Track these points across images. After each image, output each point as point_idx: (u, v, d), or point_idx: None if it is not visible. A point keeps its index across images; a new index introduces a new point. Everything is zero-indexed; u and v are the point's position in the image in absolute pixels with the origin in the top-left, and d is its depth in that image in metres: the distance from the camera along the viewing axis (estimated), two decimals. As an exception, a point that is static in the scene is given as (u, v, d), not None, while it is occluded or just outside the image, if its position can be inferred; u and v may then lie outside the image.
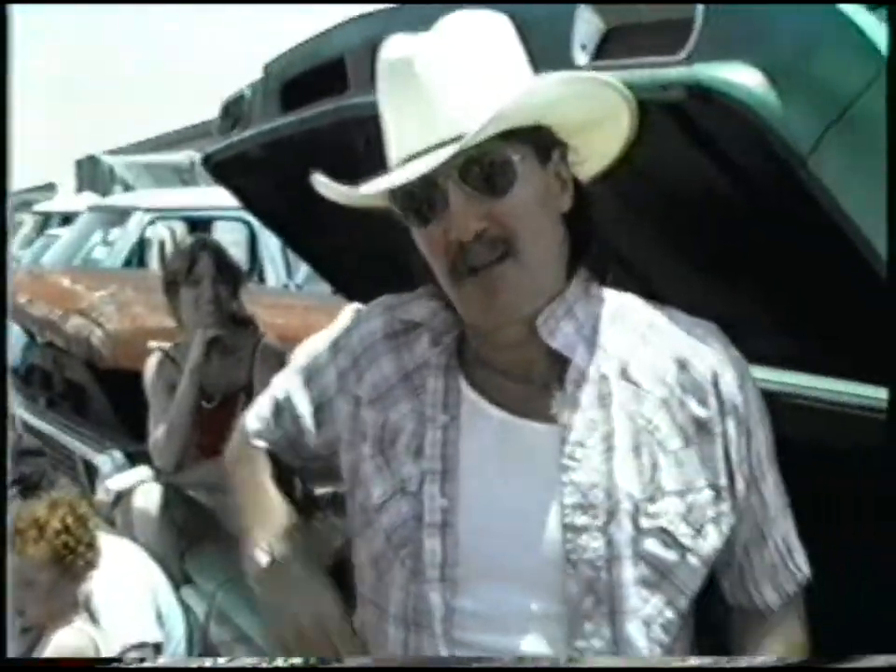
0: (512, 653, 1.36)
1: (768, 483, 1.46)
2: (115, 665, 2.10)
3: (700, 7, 1.43)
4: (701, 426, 1.39)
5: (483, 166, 1.32)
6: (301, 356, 1.65)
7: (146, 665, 2.55)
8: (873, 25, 1.35)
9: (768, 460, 1.46)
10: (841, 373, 2.30)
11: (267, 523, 1.57)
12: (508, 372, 1.44)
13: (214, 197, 7.45)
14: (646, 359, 1.41)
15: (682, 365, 1.41)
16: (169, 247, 7.94)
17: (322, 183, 1.39)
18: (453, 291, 1.38)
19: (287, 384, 1.66)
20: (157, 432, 3.72)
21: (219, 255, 3.87)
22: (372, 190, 1.34)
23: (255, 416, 1.71)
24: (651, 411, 1.39)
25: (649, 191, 1.96)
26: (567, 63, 1.62)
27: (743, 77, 1.39)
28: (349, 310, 1.63)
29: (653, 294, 1.54)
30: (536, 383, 1.42)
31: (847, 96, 1.35)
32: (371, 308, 1.58)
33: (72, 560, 2.83)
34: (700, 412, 1.39)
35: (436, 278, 1.43)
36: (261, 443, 1.69)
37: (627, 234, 2.25)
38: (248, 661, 1.40)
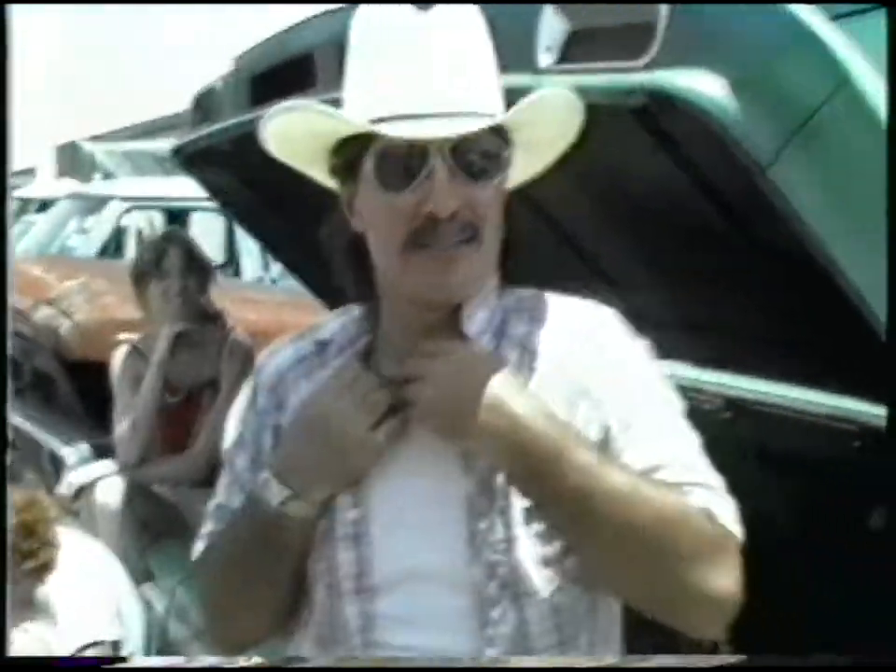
0: (432, 651, 1.36)
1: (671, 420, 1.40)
2: (117, 665, 2.07)
3: (663, 13, 1.42)
4: (583, 392, 1.37)
5: (476, 151, 1.32)
6: (229, 426, 1.58)
7: (146, 665, 2.52)
8: (834, 38, 1.34)
9: (672, 395, 1.42)
10: (802, 382, 2.31)
11: None
12: None
13: (192, 187, 7.40)
14: (540, 340, 1.42)
15: (568, 337, 1.41)
16: (146, 237, 7.90)
17: (321, 110, 1.34)
18: (400, 261, 1.35)
19: (226, 457, 1.58)
20: (121, 426, 3.70)
21: (189, 248, 3.85)
22: (387, 132, 1.30)
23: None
24: (539, 387, 1.38)
25: (614, 192, 1.96)
26: (530, 64, 1.61)
27: (704, 85, 1.38)
28: (266, 349, 1.62)
29: (617, 294, 1.53)
30: None
31: (808, 108, 1.35)
32: (278, 343, 1.56)
33: (29, 559, 2.80)
34: (583, 379, 1.38)
35: (343, 253, 1.44)
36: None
37: (592, 233, 2.26)
38: (216, 660, 1.40)
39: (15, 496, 2.92)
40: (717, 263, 2.03)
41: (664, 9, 1.41)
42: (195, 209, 7.85)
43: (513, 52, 1.64)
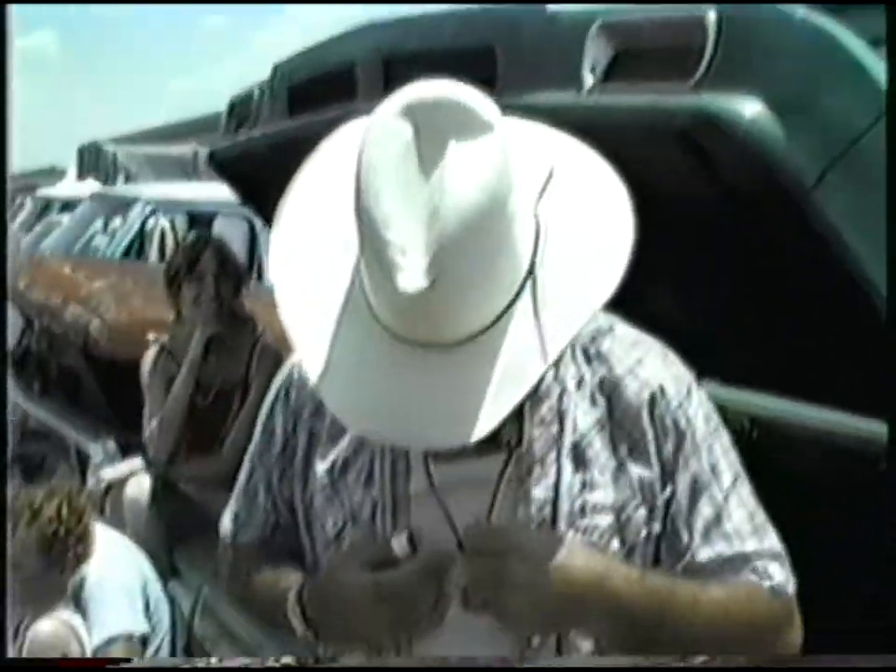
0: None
1: (713, 492, 1.39)
2: (121, 665, 2.10)
3: (711, 36, 1.45)
4: (635, 445, 1.37)
5: None
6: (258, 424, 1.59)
7: (147, 665, 2.55)
8: (877, 65, 1.37)
9: (718, 471, 1.40)
10: (835, 404, 2.31)
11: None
12: None
13: (216, 192, 7.44)
14: (586, 375, 1.40)
15: (616, 386, 1.39)
16: (169, 240, 7.93)
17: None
18: None
19: (248, 460, 1.59)
20: (151, 425, 3.73)
21: (223, 252, 3.89)
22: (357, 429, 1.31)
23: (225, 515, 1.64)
24: (587, 426, 1.38)
25: (650, 213, 1.98)
26: (576, 83, 1.63)
27: (749, 109, 1.40)
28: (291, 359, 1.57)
29: (650, 320, 1.54)
30: None
31: (852, 133, 1.37)
32: None
33: (61, 551, 2.84)
34: (634, 434, 1.37)
35: None
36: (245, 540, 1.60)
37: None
38: (245, 660, 1.41)
39: (47, 486, 2.97)
40: (751, 284, 2.04)
41: (711, 33, 1.44)
42: (219, 213, 7.88)
43: (558, 71, 1.67)
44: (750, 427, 2.65)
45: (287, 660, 1.57)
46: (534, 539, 1.31)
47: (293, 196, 1.34)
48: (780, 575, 1.39)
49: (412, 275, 1.11)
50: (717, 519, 1.38)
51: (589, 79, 1.62)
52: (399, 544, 1.33)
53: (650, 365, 1.41)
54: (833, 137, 1.40)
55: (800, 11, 1.40)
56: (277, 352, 3.71)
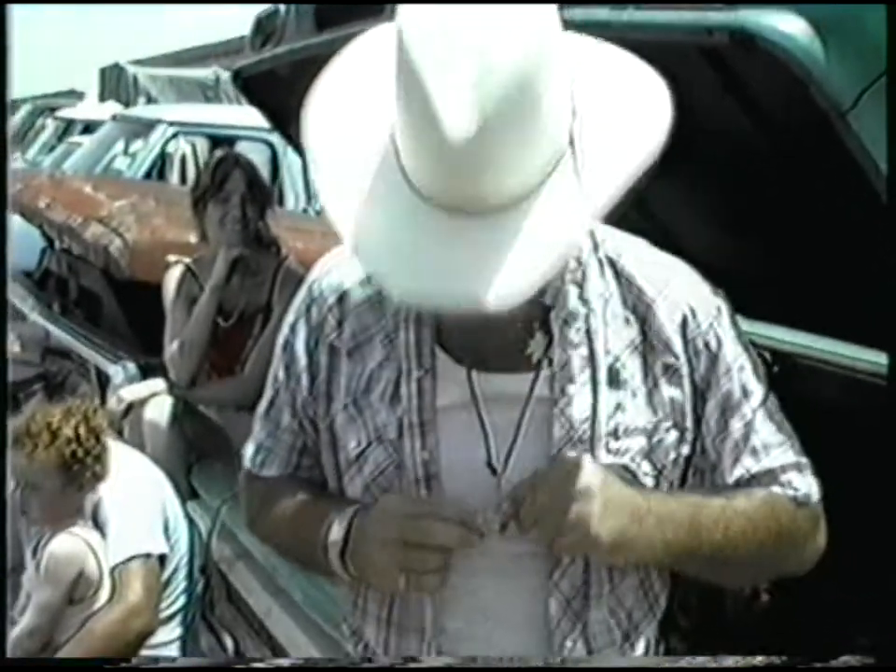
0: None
1: (751, 415, 1.40)
2: (121, 664, 2.10)
3: (751, -48, 1.41)
4: (668, 367, 1.37)
5: None
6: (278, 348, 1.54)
7: (147, 664, 2.56)
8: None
9: (749, 392, 1.40)
10: (858, 339, 2.30)
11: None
12: (488, 315, 1.28)
13: (238, 115, 7.40)
14: (616, 297, 1.39)
15: (649, 306, 1.38)
16: (190, 163, 7.89)
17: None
18: None
19: (271, 387, 1.55)
20: (173, 346, 3.72)
21: (251, 173, 3.84)
22: (397, 292, 1.24)
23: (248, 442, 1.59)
24: (619, 349, 1.37)
25: (677, 137, 1.95)
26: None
27: (789, 26, 1.37)
28: (320, 263, 1.54)
29: (670, 242, 1.52)
30: (516, 326, 1.37)
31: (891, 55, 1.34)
32: (339, 257, 1.47)
33: (79, 470, 2.85)
34: (667, 356, 1.37)
35: None
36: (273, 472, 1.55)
37: (650, 179, 2.24)
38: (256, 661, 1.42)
39: (63, 406, 2.98)
40: (776, 213, 2.02)
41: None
42: (240, 138, 7.85)
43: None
44: (773, 360, 2.64)
45: (284, 662, 1.54)
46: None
47: (331, 76, 1.31)
48: (804, 485, 1.42)
49: (458, 123, 1.10)
50: (745, 437, 1.40)
51: (625, -6, 1.58)
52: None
53: (679, 286, 1.40)
54: (872, 59, 1.37)
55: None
56: (301, 276, 3.66)
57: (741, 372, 1.40)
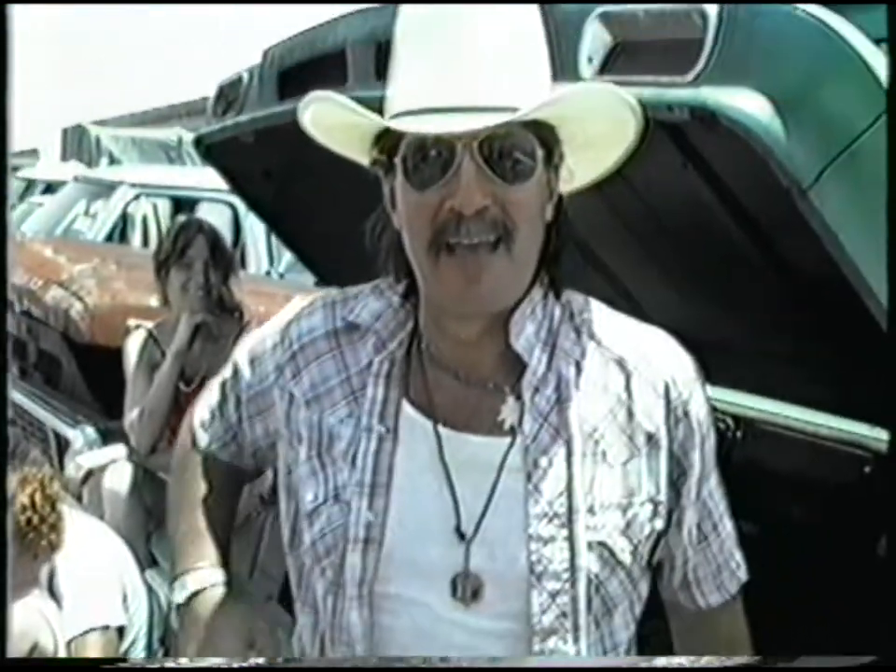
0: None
1: (711, 487, 1.44)
2: (119, 665, 2.06)
3: (711, 30, 1.43)
4: (649, 437, 1.36)
5: (507, 149, 1.26)
6: (248, 341, 1.59)
7: (147, 665, 2.52)
8: (880, 64, 1.35)
9: (712, 465, 1.44)
10: (821, 405, 2.31)
11: (196, 550, 1.54)
12: (459, 374, 1.37)
13: (200, 177, 7.41)
14: (595, 366, 1.37)
15: (630, 374, 1.37)
16: (152, 225, 7.88)
17: (342, 103, 1.30)
18: (428, 264, 1.29)
19: (233, 362, 1.59)
20: (134, 413, 3.69)
21: (214, 239, 3.83)
22: (402, 127, 1.26)
23: (204, 405, 1.65)
24: (597, 419, 1.35)
25: (641, 209, 1.96)
26: (572, 74, 1.61)
27: (749, 104, 1.39)
28: (295, 301, 1.55)
29: (642, 316, 1.53)
30: (487, 387, 1.37)
31: (852, 131, 1.36)
32: (313, 303, 1.48)
33: (34, 538, 2.80)
34: (647, 423, 1.36)
35: (389, 251, 1.38)
36: (204, 444, 1.64)
37: (616, 249, 2.25)
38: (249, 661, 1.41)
39: (20, 473, 2.93)
40: (739, 282, 2.03)
41: (712, 27, 1.42)
42: (203, 199, 7.85)
43: (555, 61, 1.65)
44: (735, 426, 2.65)
45: (259, 660, 1.54)
46: None
47: None
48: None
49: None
50: (721, 547, 1.47)
51: (586, 70, 1.60)
52: None
53: (660, 354, 1.40)
54: (832, 136, 1.38)
55: (802, 6, 1.38)
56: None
57: (710, 450, 1.42)
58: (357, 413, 1.38)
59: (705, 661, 1.46)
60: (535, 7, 1.32)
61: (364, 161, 1.38)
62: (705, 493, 1.43)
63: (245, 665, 1.43)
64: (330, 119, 1.34)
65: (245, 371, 1.55)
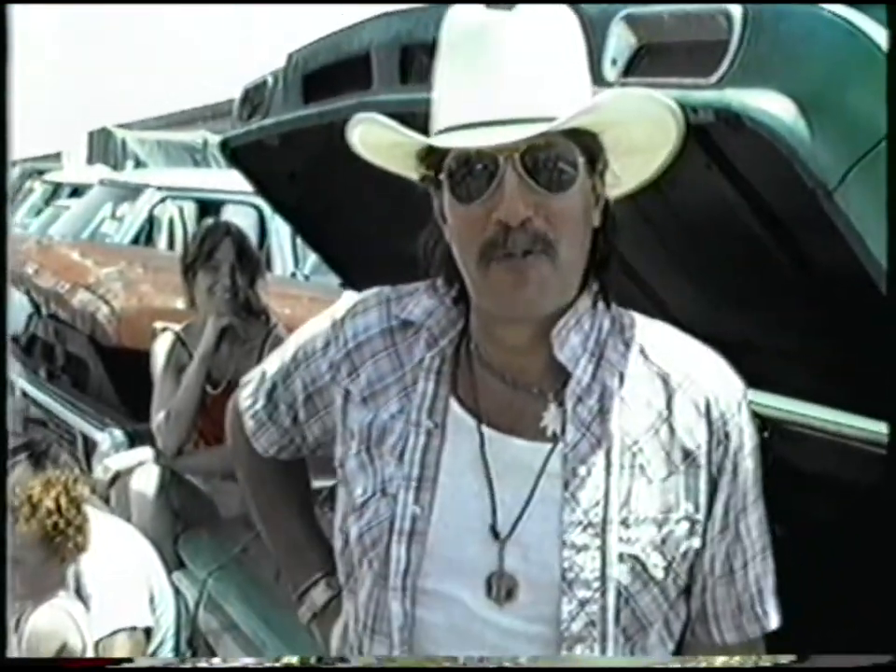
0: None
1: (749, 521, 1.42)
2: (120, 665, 2.08)
3: (735, 32, 1.42)
4: (688, 454, 1.36)
5: (548, 158, 1.27)
6: (296, 339, 1.61)
7: (147, 664, 2.55)
8: (905, 63, 1.34)
9: (753, 496, 1.42)
10: (849, 406, 2.30)
11: (302, 564, 1.68)
12: (505, 378, 1.40)
13: (225, 180, 7.43)
14: (641, 380, 1.38)
15: (674, 390, 1.38)
16: (178, 227, 7.92)
17: (384, 123, 1.33)
18: (479, 274, 1.31)
19: (281, 364, 1.61)
20: (161, 415, 3.71)
21: (241, 242, 3.85)
22: (442, 144, 1.29)
23: (248, 393, 1.67)
24: (638, 433, 1.36)
25: (668, 212, 1.96)
26: (596, 76, 1.61)
27: (774, 105, 1.38)
28: (346, 297, 1.57)
29: (664, 314, 1.53)
30: (532, 392, 1.39)
31: (878, 132, 1.35)
32: (367, 300, 1.52)
33: (61, 542, 2.82)
34: (688, 441, 1.36)
35: (442, 264, 1.40)
36: (261, 450, 1.67)
37: (644, 253, 2.25)
38: (248, 661, 1.41)
39: (47, 476, 2.95)
40: (766, 283, 2.03)
41: (737, 28, 1.42)
42: (228, 202, 7.88)
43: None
44: (762, 427, 2.64)
45: (289, 660, 1.57)
46: None
47: None
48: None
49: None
50: (745, 587, 1.44)
51: (610, 73, 1.60)
52: None
53: (706, 373, 1.40)
54: (858, 137, 1.38)
55: (828, 6, 1.38)
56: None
57: (750, 474, 1.41)
58: (407, 408, 1.41)
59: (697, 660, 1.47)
60: (571, 14, 1.33)
61: (414, 176, 1.40)
62: (742, 526, 1.41)
63: (249, 665, 1.45)
64: (376, 139, 1.37)
65: (297, 373, 1.57)
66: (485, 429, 1.38)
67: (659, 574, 1.34)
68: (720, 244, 2.00)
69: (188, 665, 1.24)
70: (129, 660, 2.75)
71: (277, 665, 1.52)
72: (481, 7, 1.30)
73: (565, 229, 1.29)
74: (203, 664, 1.28)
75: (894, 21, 1.37)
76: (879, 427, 2.27)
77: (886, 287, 1.38)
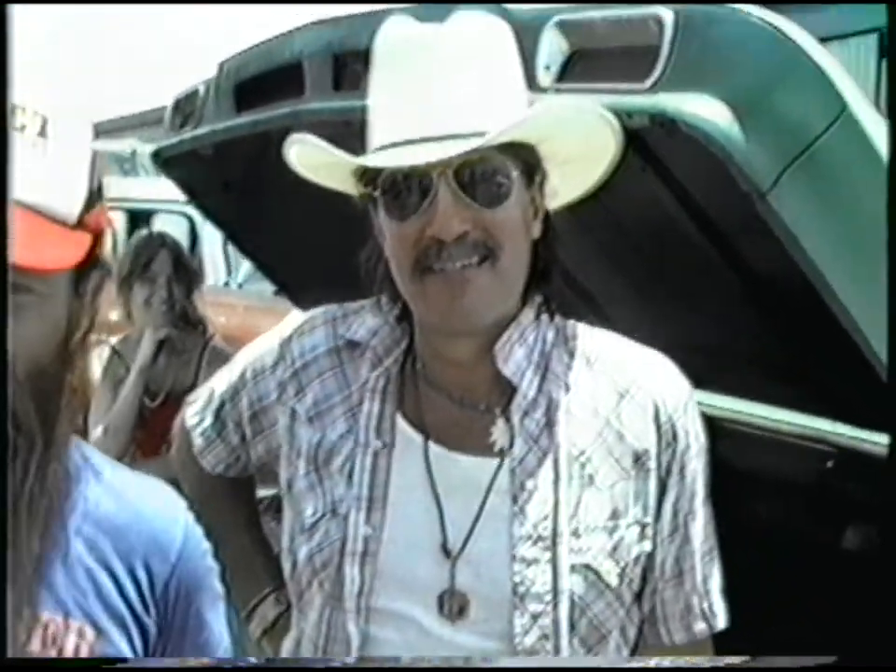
0: None
1: (696, 523, 1.43)
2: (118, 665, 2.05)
3: (667, 37, 1.44)
4: (637, 459, 1.37)
5: (483, 173, 1.29)
6: (244, 357, 1.61)
7: (147, 664, 2.49)
8: (835, 66, 1.37)
9: (700, 499, 1.44)
10: (783, 403, 2.33)
11: (251, 580, 1.68)
12: (451, 394, 1.41)
13: (156, 189, 7.36)
14: (587, 389, 1.39)
15: (621, 397, 1.39)
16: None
17: (316, 145, 1.34)
18: (415, 288, 1.33)
19: (229, 382, 1.62)
20: (98, 429, 3.66)
21: (178, 253, 3.81)
22: (373, 163, 1.30)
23: (194, 411, 1.68)
24: (585, 442, 1.37)
25: (607, 220, 1.97)
26: (530, 83, 1.62)
27: (708, 110, 1.39)
28: (292, 316, 1.58)
29: (606, 320, 1.54)
30: (479, 408, 1.40)
31: (809, 135, 1.37)
32: (314, 319, 1.53)
33: None
34: (637, 446, 1.38)
35: (384, 280, 1.41)
36: (209, 468, 1.69)
37: (581, 260, 2.26)
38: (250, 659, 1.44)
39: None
40: (704, 286, 2.04)
41: (668, 33, 1.43)
42: (158, 211, 7.79)
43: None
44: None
45: (253, 660, 1.56)
46: None
47: None
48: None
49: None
50: (693, 589, 1.45)
51: (544, 79, 1.60)
52: None
53: (653, 376, 1.42)
54: (789, 139, 1.39)
55: (757, 11, 1.39)
56: (227, 355, 3.65)
57: (697, 477, 1.43)
58: (355, 428, 1.42)
59: (698, 661, 1.48)
60: (503, 23, 1.34)
61: (354, 193, 1.41)
62: (690, 527, 1.42)
63: (243, 665, 1.45)
64: (312, 160, 1.38)
65: (245, 391, 1.56)
66: (432, 447, 1.38)
67: (614, 581, 1.35)
68: (659, 249, 2.02)
69: (188, 665, 1.25)
70: (124, 660, 2.70)
71: (269, 665, 1.51)
72: (412, 20, 1.32)
73: (505, 239, 1.30)
74: (192, 662, 1.29)
75: (894, 21, 1.38)
76: (817, 424, 2.30)
77: (886, 287, 1.39)
